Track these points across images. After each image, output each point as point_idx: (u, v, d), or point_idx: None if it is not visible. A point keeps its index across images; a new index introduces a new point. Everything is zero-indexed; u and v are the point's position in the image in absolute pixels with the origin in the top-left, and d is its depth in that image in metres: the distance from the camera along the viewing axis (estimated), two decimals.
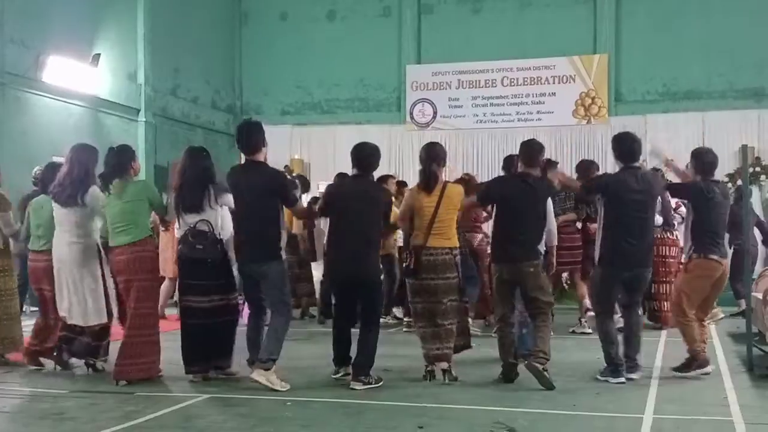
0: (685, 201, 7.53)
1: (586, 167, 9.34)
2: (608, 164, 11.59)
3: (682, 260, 8.00)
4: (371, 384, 6.42)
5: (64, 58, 12.18)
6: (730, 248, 8.38)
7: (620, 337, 6.76)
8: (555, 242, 7.15)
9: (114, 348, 6.91)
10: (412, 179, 10.33)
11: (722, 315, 9.61)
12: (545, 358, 6.40)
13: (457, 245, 6.65)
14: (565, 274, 9.71)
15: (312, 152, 16.60)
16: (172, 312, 10.10)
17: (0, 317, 7.34)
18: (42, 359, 7.23)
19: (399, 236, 9.13)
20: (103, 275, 6.96)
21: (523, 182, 6.76)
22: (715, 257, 6.78)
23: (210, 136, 16.06)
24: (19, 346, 7.43)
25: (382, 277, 7.61)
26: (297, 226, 10.55)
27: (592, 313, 8.01)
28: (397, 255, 9.85)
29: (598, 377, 6.68)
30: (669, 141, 14.00)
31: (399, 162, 15.50)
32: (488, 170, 15.14)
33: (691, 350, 6.79)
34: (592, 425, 5.42)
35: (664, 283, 9.58)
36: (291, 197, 6.62)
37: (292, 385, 6.39)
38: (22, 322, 7.67)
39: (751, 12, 14.65)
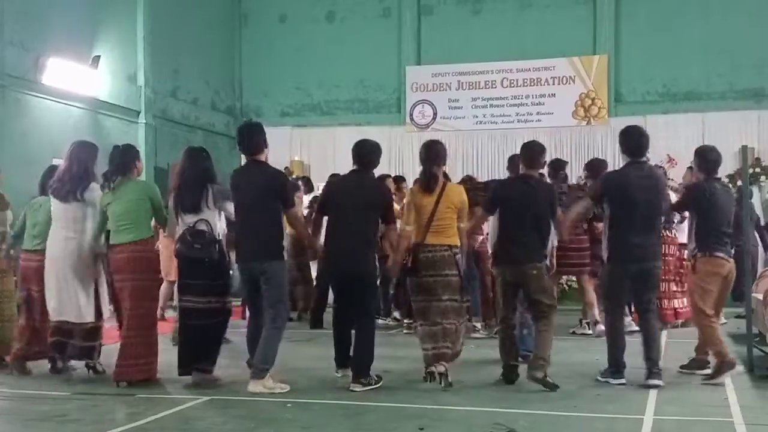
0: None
1: (596, 166, 9.25)
2: (609, 165, 11.55)
3: (685, 258, 7.91)
4: (371, 385, 6.42)
5: (64, 60, 12.18)
6: (732, 249, 8.35)
7: (628, 338, 6.71)
8: (556, 242, 7.12)
9: (113, 350, 6.90)
10: (412, 180, 10.35)
11: (724, 320, 9.54)
12: (544, 365, 6.36)
13: (458, 244, 6.59)
14: (565, 277, 9.63)
15: (312, 154, 16.59)
16: (172, 314, 10.10)
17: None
18: (29, 364, 7.16)
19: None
20: (96, 275, 6.94)
21: (524, 184, 6.75)
22: (720, 254, 6.73)
23: (210, 137, 16.06)
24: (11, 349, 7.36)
25: (378, 281, 7.60)
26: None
27: (601, 327, 7.91)
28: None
29: (599, 378, 6.67)
30: (669, 141, 14.07)
31: (399, 163, 15.46)
32: (488, 171, 15.17)
33: (717, 353, 6.66)
34: (593, 426, 5.43)
35: (664, 281, 9.55)
36: (289, 199, 6.61)
37: (292, 386, 6.39)
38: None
39: (750, 12, 14.66)
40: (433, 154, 6.63)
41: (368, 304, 6.70)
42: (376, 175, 7.41)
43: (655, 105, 15.35)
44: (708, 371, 6.83)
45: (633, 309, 8.88)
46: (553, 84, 15.68)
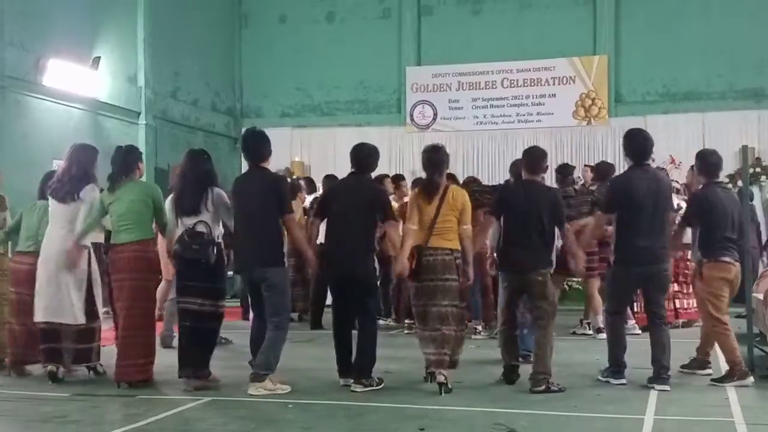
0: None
1: (604, 170, 9.18)
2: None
3: (689, 259, 7.86)
4: (372, 386, 6.42)
5: (64, 61, 12.19)
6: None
7: (628, 339, 6.70)
8: (560, 243, 7.10)
9: (113, 350, 6.89)
10: (411, 180, 10.35)
11: None
12: (545, 378, 6.33)
13: (458, 247, 6.58)
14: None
15: (312, 154, 16.61)
16: None
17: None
18: (27, 367, 7.14)
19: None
20: (89, 277, 6.92)
21: (526, 189, 6.74)
22: (726, 259, 6.69)
23: (210, 138, 16.08)
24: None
25: (378, 282, 7.59)
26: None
27: (603, 336, 7.88)
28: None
29: (600, 378, 6.67)
30: (669, 142, 14.07)
31: (399, 164, 15.47)
32: (488, 172, 15.19)
33: (730, 361, 6.63)
34: (593, 426, 5.43)
35: None
36: (286, 207, 6.60)
37: (293, 387, 6.39)
38: None
39: (750, 13, 14.67)
40: (435, 161, 6.59)
41: (369, 305, 6.69)
42: (374, 176, 7.40)
43: (655, 105, 15.36)
44: (709, 371, 6.82)
45: (635, 312, 8.92)
46: (554, 84, 15.69)
